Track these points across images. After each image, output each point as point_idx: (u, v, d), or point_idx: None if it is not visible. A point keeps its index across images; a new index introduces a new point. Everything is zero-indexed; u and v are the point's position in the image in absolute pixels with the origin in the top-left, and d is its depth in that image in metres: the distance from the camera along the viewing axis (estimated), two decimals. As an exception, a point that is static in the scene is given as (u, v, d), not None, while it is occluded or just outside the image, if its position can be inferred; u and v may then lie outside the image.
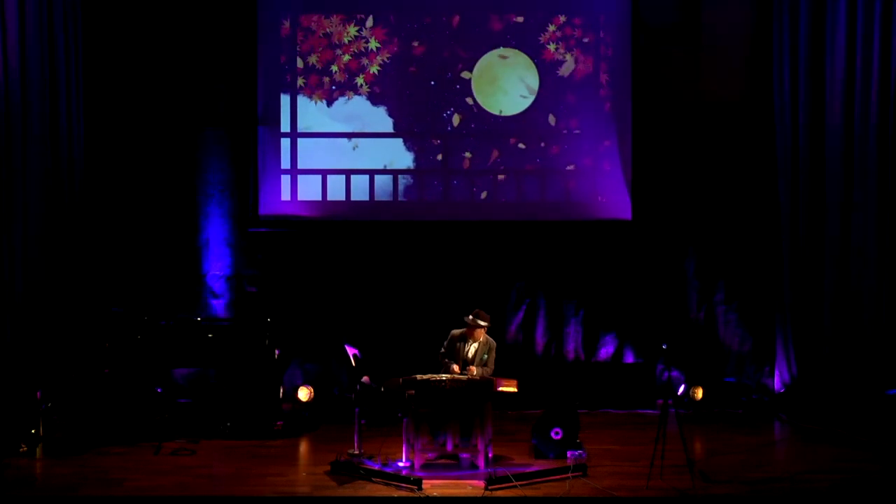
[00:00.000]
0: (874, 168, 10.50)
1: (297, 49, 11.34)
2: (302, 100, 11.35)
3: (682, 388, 10.89)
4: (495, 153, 11.32)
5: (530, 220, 11.29)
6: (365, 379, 9.00)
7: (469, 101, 11.31)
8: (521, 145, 11.31)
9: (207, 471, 8.48)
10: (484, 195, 11.32)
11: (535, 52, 11.28)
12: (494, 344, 9.10)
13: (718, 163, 11.20)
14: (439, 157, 11.33)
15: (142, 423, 9.76)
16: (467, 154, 11.33)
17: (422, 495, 7.75)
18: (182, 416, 10.28)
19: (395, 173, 11.35)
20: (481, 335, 9.01)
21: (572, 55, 11.29)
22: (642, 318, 11.23)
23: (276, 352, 9.93)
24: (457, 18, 11.30)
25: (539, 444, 8.90)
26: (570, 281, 11.30)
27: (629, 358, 11.27)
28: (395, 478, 8.09)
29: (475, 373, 8.87)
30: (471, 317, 8.98)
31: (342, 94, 11.33)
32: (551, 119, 11.29)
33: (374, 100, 11.33)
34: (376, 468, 8.30)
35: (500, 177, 11.33)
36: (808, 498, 7.76)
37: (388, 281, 11.27)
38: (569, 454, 8.57)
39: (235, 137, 11.32)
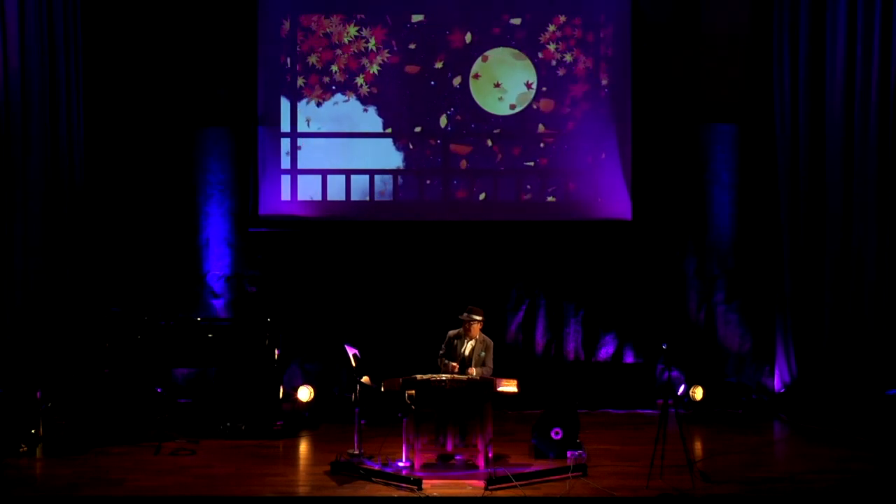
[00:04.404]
0: (874, 168, 10.50)
1: (297, 49, 11.34)
2: (302, 100, 11.35)
3: (682, 388, 10.88)
4: (495, 153, 11.32)
5: (530, 220, 11.29)
6: (365, 379, 8.99)
7: (469, 101, 11.31)
8: (520, 145, 11.31)
9: (207, 471, 8.47)
10: (483, 195, 11.32)
11: (535, 52, 11.28)
12: (491, 342, 9.12)
13: (719, 162, 11.20)
14: (439, 156, 11.33)
15: (142, 423, 9.76)
16: (467, 154, 11.32)
17: (422, 495, 7.75)
18: (182, 416, 10.29)
19: (394, 173, 11.35)
20: (477, 331, 9.03)
21: (572, 55, 11.29)
22: (642, 318, 11.23)
23: (276, 352, 9.93)
24: (457, 18, 11.29)
25: (539, 444, 8.90)
26: (569, 281, 11.30)
27: (629, 358, 11.27)
28: (395, 478, 8.09)
29: (475, 373, 8.87)
30: (465, 314, 9.02)
31: (342, 94, 11.34)
32: (551, 119, 11.29)
33: (374, 100, 11.33)
34: (376, 468, 8.30)
35: (500, 177, 11.33)
36: (808, 498, 7.76)
37: (387, 281, 11.27)
38: (569, 454, 8.57)
39: (235, 137, 11.33)
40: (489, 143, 11.30)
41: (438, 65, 11.30)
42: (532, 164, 11.30)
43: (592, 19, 11.28)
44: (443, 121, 11.32)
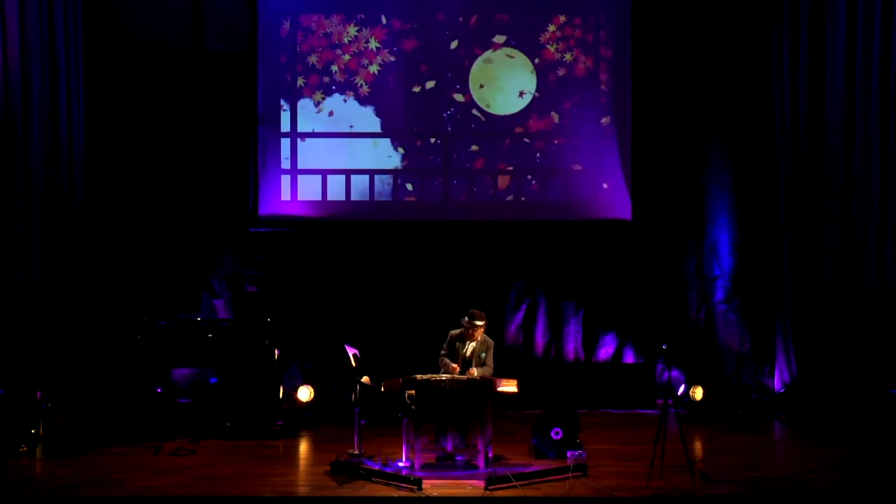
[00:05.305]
0: (874, 168, 10.49)
1: (297, 49, 11.34)
2: (302, 100, 11.35)
3: (682, 388, 10.88)
4: (495, 153, 11.32)
5: (530, 220, 11.29)
6: (365, 379, 8.99)
7: (469, 101, 11.31)
8: (520, 145, 11.31)
9: (207, 471, 8.47)
10: (483, 195, 11.32)
11: (534, 52, 11.29)
12: (492, 343, 9.11)
13: (718, 163, 11.20)
14: (439, 157, 11.34)
15: (142, 423, 9.75)
16: (467, 154, 11.33)
17: (422, 495, 7.74)
18: (182, 416, 10.29)
19: (394, 173, 11.36)
20: (479, 334, 9.02)
21: (572, 55, 11.29)
22: (642, 318, 11.24)
23: (276, 352, 9.94)
24: (456, 18, 11.29)
25: (539, 444, 8.90)
26: (569, 281, 11.30)
27: (629, 358, 11.27)
28: (395, 478, 8.09)
29: (476, 374, 8.87)
30: (466, 318, 8.98)
31: (342, 94, 11.34)
32: (551, 119, 11.29)
33: (374, 100, 11.33)
34: (376, 468, 8.30)
35: (500, 177, 11.33)
36: (808, 498, 7.76)
37: (387, 281, 11.27)
38: (569, 454, 8.57)
39: (235, 137, 11.32)
40: (487, 143, 11.30)
41: (438, 65, 11.30)
42: (532, 163, 11.29)
43: (592, 19, 11.28)
44: (442, 121, 11.32)
